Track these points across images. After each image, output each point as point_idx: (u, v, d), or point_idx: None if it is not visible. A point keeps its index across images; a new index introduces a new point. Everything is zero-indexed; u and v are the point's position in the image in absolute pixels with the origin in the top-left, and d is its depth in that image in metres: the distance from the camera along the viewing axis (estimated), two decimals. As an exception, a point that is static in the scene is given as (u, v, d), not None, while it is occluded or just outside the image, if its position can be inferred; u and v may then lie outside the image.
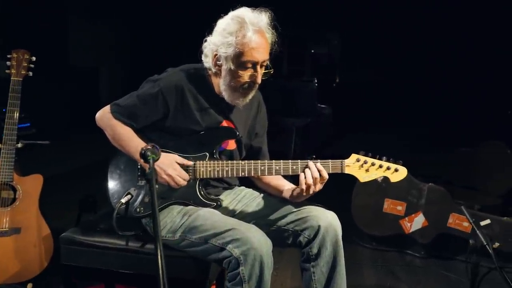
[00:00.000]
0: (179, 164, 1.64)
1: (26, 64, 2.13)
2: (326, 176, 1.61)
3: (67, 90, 5.99)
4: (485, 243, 2.10)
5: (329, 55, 7.52)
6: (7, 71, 2.11)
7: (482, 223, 2.72)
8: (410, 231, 2.92)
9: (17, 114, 2.10)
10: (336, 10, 6.64)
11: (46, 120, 5.34)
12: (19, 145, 2.13)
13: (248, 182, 1.91)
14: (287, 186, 1.76)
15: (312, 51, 7.46)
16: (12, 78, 2.10)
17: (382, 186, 2.95)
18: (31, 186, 2.13)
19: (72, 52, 6.43)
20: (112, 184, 1.72)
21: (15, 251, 2.06)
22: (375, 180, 2.98)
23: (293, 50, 7.24)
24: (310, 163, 1.61)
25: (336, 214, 1.74)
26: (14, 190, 2.10)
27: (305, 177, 1.60)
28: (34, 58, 2.16)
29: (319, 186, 1.62)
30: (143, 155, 1.24)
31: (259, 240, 1.48)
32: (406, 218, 2.93)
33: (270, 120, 1.97)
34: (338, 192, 3.14)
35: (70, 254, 1.76)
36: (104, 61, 6.89)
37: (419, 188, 2.90)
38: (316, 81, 5.10)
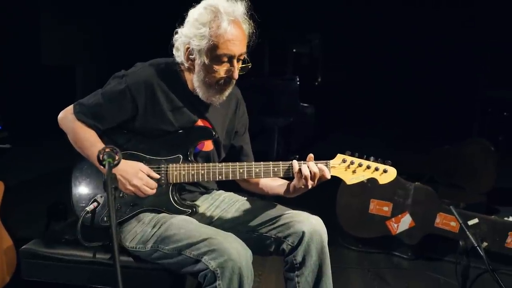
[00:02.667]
0: (145, 173, 1.49)
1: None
2: (315, 170, 1.47)
3: (41, 90, 5.76)
4: (476, 244, 2.02)
5: (310, 55, 7.47)
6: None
7: (470, 222, 2.67)
8: (397, 232, 2.84)
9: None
10: (317, 10, 6.59)
11: (19, 122, 5.13)
12: (-23, 149, 1.95)
13: (228, 185, 1.79)
14: (279, 182, 1.62)
15: (294, 50, 7.40)
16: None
17: (368, 186, 2.86)
18: (-9, 194, 1.96)
19: (45, 50, 6.19)
20: (77, 191, 1.57)
21: (-27, 265, 1.89)
22: (372, 182, 2.92)
23: (274, 49, 7.17)
24: (295, 163, 1.49)
25: (320, 214, 1.63)
26: (-27, 198, 1.93)
27: (300, 169, 1.46)
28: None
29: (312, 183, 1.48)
30: (99, 159, 1.09)
31: (237, 251, 1.35)
32: (393, 219, 2.84)
33: (252, 120, 1.85)
34: (322, 191, 3.05)
35: (32, 269, 1.62)
36: (79, 59, 6.66)
37: (405, 187, 2.82)
38: (298, 79, 5.01)
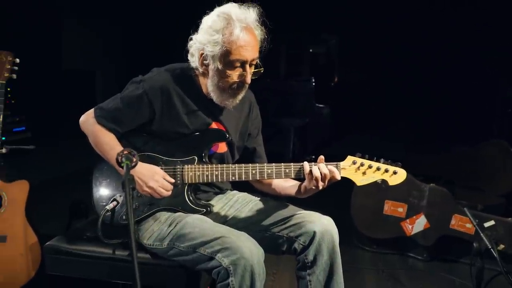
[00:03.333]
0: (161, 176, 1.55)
1: (9, 66, 2.06)
2: (326, 171, 1.50)
3: (62, 93, 5.93)
4: (490, 247, 2.02)
5: (327, 56, 7.46)
6: (-11, 73, 2.03)
7: (486, 224, 2.65)
8: (412, 233, 2.84)
9: (1, 118, 2.03)
10: (333, 10, 6.58)
11: (42, 124, 5.29)
12: (4, 150, 2.05)
13: (241, 186, 1.84)
14: (291, 182, 1.66)
15: (310, 50, 7.40)
16: (-6, 81, 2.03)
17: (382, 188, 2.85)
18: (17, 192, 2.05)
19: (67, 56, 6.36)
20: (97, 190, 1.64)
21: (1, 260, 1.98)
22: (374, 182, 2.92)
23: (291, 51, 7.19)
24: (306, 164, 1.53)
25: (335, 215, 1.66)
26: (0, 197, 2.02)
27: (311, 170, 1.50)
28: (17, 60, 2.08)
29: (323, 184, 1.51)
30: (118, 161, 1.15)
31: (250, 249, 1.40)
32: (407, 220, 2.84)
33: (268, 121, 1.89)
34: (337, 191, 3.07)
35: (55, 264, 1.69)
36: (99, 64, 6.82)
37: (420, 189, 2.82)
38: (313, 80, 5.03)
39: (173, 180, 1.57)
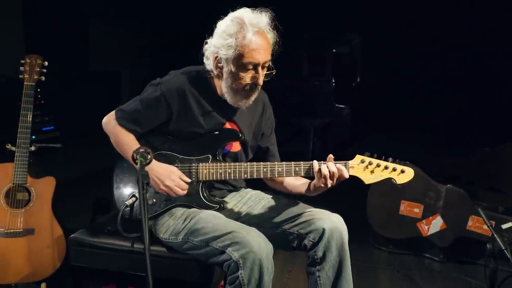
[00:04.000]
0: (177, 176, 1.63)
1: (38, 69, 2.18)
2: (334, 170, 1.55)
3: (89, 94, 6.13)
4: (503, 247, 2.02)
5: (350, 55, 7.43)
6: (20, 76, 2.16)
7: (504, 226, 2.63)
8: (428, 234, 2.84)
9: (31, 118, 2.15)
10: (357, 10, 6.55)
11: (69, 123, 5.49)
12: (33, 148, 2.17)
13: (255, 184, 1.90)
14: (301, 181, 1.72)
15: (334, 50, 7.38)
16: (24, 83, 2.15)
17: (398, 188, 2.86)
18: (44, 188, 2.17)
19: (93, 58, 6.57)
20: (118, 187, 1.74)
21: (29, 252, 2.10)
22: (390, 182, 2.93)
23: (314, 51, 7.19)
24: (315, 163, 1.58)
25: (351, 214, 1.69)
26: (29, 192, 2.15)
27: (320, 168, 1.55)
28: (46, 63, 2.20)
29: (331, 182, 1.56)
30: (133, 158, 1.24)
31: (259, 244, 1.46)
32: (424, 221, 2.84)
33: (289, 121, 1.95)
34: (354, 191, 3.09)
35: (79, 255, 1.79)
36: (124, 65, 7.00)
37: (437, 189, 2.82)
38: (333, 81, 5.03)
39: (189, 180, 1.64)
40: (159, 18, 7.34)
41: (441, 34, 6.09)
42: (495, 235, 2.05)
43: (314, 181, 1.59)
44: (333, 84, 5.08)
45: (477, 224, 2.71)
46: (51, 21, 5.57)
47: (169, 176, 1.61)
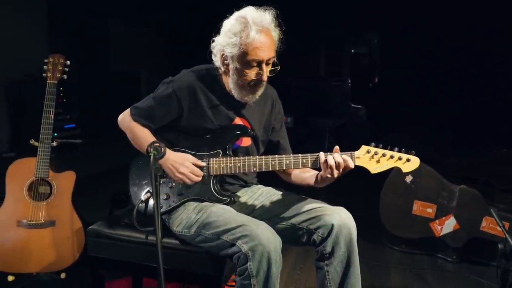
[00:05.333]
0: (192, 163, 1.69)
1: (61, 68, 2.27)
2: (339, 160, 1.58)
3: (109, 93, 6.27)
4: (515, 248, 2.01)
5: (369, 56, 7.39)
6: (43, 74, 2.26)
7: (519, 227, 2.61)
8: (441, 234, 2.83)
9: (53, 115, 2.24)
10: (375, 10, 6.52)
11: (90, 121, 5.64)
12: (54, 143, 2.27)
13: (267, 181, 1.95)
14: (310, 172, 1.76)
15: (352, 51, 7.36)
16: (48, 81, 2.25)
17: (412, 188, 2.89)
18: (65, 182, 2.27)
19: (113, 58, 6.72)
20: (133, 183, 1.81)
21: (50, 243, 2.20)
22: (404, 181, 2.93)
23: (331, 51, 7.18)
24: (321, 154, 1.61)
25: (364, 213, 1.72)
26: (50, 185, 2.24)
27: (326, 159, 1.59)
28: (68, 62, 2.30)
29: (338, 172, 1.59)
30: (147, 151, 1.30)
31: (267, 237, 1.51)
32: (437, 221, 2.84)
33: (304, 120, 1.99)
34: (367, 191, 3.10)
35: (97, 246, 1.87)
36: (143, 65, 7.13)
37: (450, 189, 2.81)
38: (349, 81, 5.04)
39: (203, 164, 1.70)
40: (179, 18, 7.45)
41: (461, 32, 6.00)
42: (507, 236, 2.05)
43: (321, 172, 1.63)
44: (349, 85, 5.09)
45: (491, 225, 2.70)
46: (73, 22, 5.73)
47: (183, 163, 1.67)
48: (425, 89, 6.44)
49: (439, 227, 2.83)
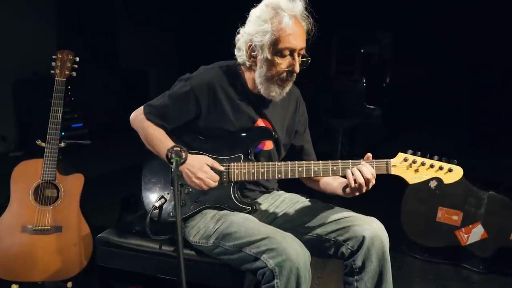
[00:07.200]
0: (210, 166, 1.56)
1: (70, 65, 2.15)
2: (369, 176, 1.45)
3: (118, 92, 6.17)
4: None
5: (380, 55, 7.25)
6: (51, 71, 2.14)
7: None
8: (467, 243, 2.68)
9: (61, 114, 2.12)
10: (387, 8, 6.37)
11: (98, 121, 5.54)
12: (62, 144, 2.15)
13: (288, 186, 1.81)
14: (338, 180, 1.62)
15: (362, 51, 7.22)
16: (56, 78, 2.13)
17: (436, 194, 2.73)
18: (73, 185, 2.15)
19: (122, 56, 6.62)
20: (146, 188, 1.68)
21: (56, 249, 2.08)
22: (427, 187, 2.79)
23: (342, 50, 7.04)
24: (348, 172, 1.48)
25: (384, 219, 1.60)
26: (57, 189, 2.12)
27: (354, 176, 1.46)
28: (77, 59, 2.18)
29: (366, 188, 1.48)
30: (167, 157, 1.17)
31: (296, 251, 1.37)
32: (463, 229, 2.69)
33: (317, 121, 1.86)
34: (386, 195, 2.96)
35: (106, 256, 1.75)
36: (152, 63, 7.03)
37: (478, 196, 2.65)
38: (364, 81, 4.89)
39: (222, 168, 1.57)
40: (189, 16, 7.34)
41: (483, 29, 5.82)
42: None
43: (348, 189, 1.51)
44: (364, 84, 4.94)
45: (522, 234, 2.54)
46: (82, 20, 5.64)
47: (201, 168, 1.54)
48: (442, 89, 6.27)
49: (466, 236, 2.68)
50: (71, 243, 2.10)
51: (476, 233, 2.65)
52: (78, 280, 2.12)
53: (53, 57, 2.15)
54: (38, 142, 2.12)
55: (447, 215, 2.73)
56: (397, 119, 5.78)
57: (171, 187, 1.61)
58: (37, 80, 4.67)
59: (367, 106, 5.13)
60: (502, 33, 5.72)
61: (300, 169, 1.52)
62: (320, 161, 1.52)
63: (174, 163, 1.12)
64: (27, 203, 2.07)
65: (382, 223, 1.59)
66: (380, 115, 5.06)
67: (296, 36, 1.49)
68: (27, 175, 2.09)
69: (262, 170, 1.54)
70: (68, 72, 2.15)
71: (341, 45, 6.75)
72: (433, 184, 2.73)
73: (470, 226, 2.67)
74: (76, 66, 2.17)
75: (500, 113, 5.74)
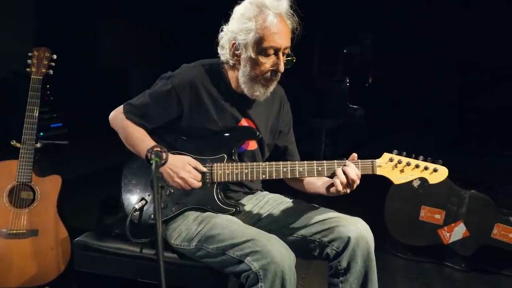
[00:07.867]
0: (193, 166, 1.52)
1: (46, 62, 2.08)
2: (353, 177, 1.44)
3: (98, 91, 6.05)
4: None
5: (362, 55, 7.30)
6: (27, 69, 2.06)
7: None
8: (449, 241, 2.70)
9: (37, 113, 2.05)
10: (369, 9, 6.41)
11: (78, 120, 5.41)
12: (38, 145, 2.08)
13: (273, 187, 1.78)
14: (322, 180, 1.60)
15: (345, 51, 7.26)
16: (32, 77, 2.06)
17: (419, 193, 2.75)
18: (50, 187, 2.08)
19: (102, 55, 6.50)
20: (126, 189, 1.63)
21: (32, 254, 2.01)
22: (411, 186, 2.80)
23: (324, 50, 7.06)
24: (339, 170, 1.45)
25: (368, 218, 1.59)
26: (33, 191, 2.05)
27: (338, 177, 1.44)
28: (55, 56, 2.11)
29: (350, 188, 1.46)
30: (147, 158, 1.12)
31: (280, 253, 1.34)
32: (445, 228, 2.70)
33: (300, 121, 1.83)
34: (371, 195, 2.96)
35: (84, 260, 1.70)
36: (132, 62, 6.93)
37: (460, 195, 2.67)
38: (347, 81, 4.91)
39: (205, 169, 1.53)
40: (171, 15, 7.25)
41: (465, 30, 5.90)
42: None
43: (332, 188, 1.48)
44: (347, 84, 4.96)
45: (503, 233, 2.57)
46: (61, 18, 5.51)
47: (184, 167, 1.50)
48: (424, 89, 6.34)
49: (448, 234, 2.70)
50: (48, 247, 2.03)
51: (458, 232, 2.68)
52: (55, 286, 2.05)
53: (29, 54, 2.08)
54: (13, 142, 2.04)
55: (429, 214, 2.74)
56: (379, 118, 5.82)
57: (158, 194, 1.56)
58: (14, 78, 4.53)
59: (350, 105, 5.16)
60: (486, 32, 5.81)
61: (284, 169, 1.49)
62: (305, 162, 1.49)
63: (153, 164, 1.08)
64: (1, 206, 1.99)
65: (365, 221, 1.58)
66: (363, 114, 5.10)
67: (281, 35, 1.46)
68: (1, 176, 2.01)
69: (246, 171, 1.51)
70: (44, 70, 2.08)
71: (323, 44, 6.76)
72: (416, 183, 2.74)
73: (453, 224, 2.69)
74: (53, 64, 2.10)
75: (480, 112, 5.83)
